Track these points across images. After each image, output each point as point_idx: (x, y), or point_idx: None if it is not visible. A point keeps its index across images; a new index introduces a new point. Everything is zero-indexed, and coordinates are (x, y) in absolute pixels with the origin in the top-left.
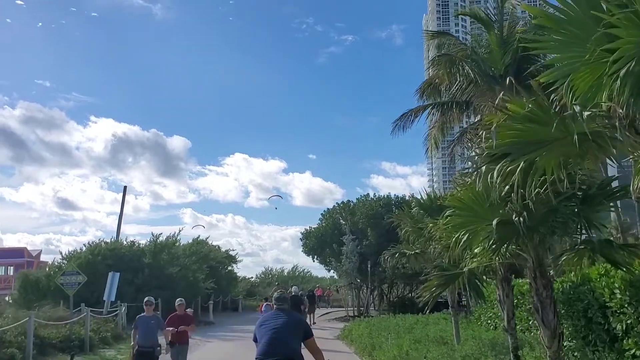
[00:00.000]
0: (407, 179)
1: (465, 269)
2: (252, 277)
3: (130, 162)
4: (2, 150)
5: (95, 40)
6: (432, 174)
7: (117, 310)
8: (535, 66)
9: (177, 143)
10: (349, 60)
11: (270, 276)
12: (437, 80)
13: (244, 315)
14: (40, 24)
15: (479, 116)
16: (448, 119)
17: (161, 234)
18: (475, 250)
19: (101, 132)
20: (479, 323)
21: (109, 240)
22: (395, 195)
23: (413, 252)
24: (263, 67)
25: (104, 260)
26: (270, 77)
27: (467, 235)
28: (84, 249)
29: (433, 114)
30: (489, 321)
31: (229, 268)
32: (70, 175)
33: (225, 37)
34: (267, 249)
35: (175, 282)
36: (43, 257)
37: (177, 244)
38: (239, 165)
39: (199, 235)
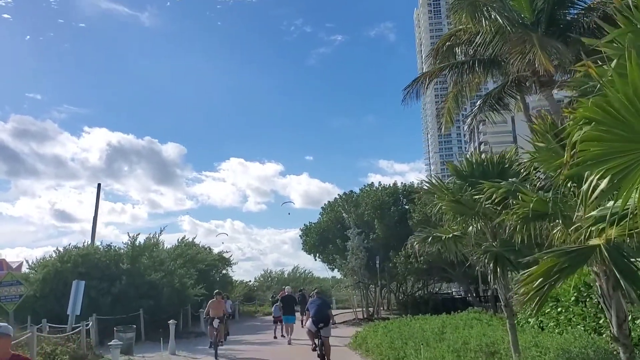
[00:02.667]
0: (405, 176)
1: (600, 242)
2: (250, 281)
3: (126, 171)
4: None
5: (84, 51)
6: (430, 169)
7: (86, 325)
8: (575, 12)
9: (172, 150)
10: (340, 60)
11: (269, 279)
12: (453, 39)
13: (242, 322)
14: (28, 37)
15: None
16: (468, 82)
17: (139, 234)
18: (633, 199)
19: (95, 142)
20: (519, 325)
21: (82, 245)
22: (402, 183)
23: (451, 235)
24: (254, 71)
25: (75, 268)
26: (262, 80)
27: (614, 171)
28: (54, 255)
29: (450, 77)
30: (529, 320)
31: (223, 271)
32: (67, 187)
33: (214, 42)
34: (267, 252)
35: (158, 289)
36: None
37: (160, 245)
38: (235, 170)
39: (184, 236)
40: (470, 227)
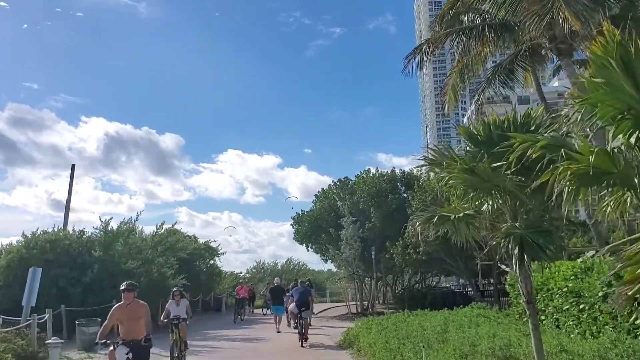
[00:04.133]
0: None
1: None
2: (241, 272)
3: (123, 162)
4: None
5: (81, 40)
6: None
7: (40, 318)
8: None
9: (169, 141)
10: (338, 53)
11: (262, 271)
12: (459, 4)
13: (228, 316)
14: (25, 25)
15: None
16: (474, 55)
17: (111, 218)
18: None
19: (93, 131)
20: (523, 319)
21: (52, 230)
22: (401, 170)
23: (462, 214)
24: (252, 62)
25: (42, 255)
26: (260, 72)
27: None
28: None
29: (457, 44)
30: (541, 317)
31: (211, 262)
32: (63, 176)
33: (212, 33)
34: (264, 245)
35: (134, 279)
36: None
37: (135, 232)
38: (233, 162)
39: (164, 222)
40: (485, 205)
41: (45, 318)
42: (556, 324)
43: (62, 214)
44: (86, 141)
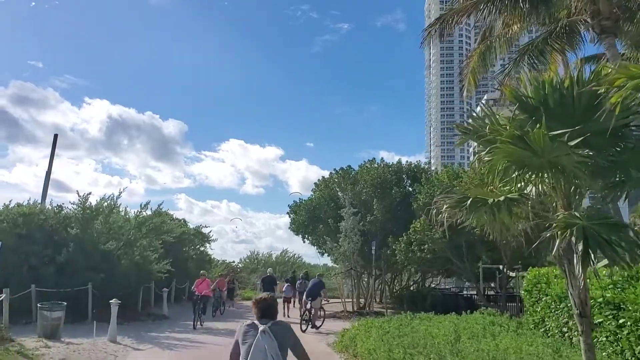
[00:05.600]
0: None
1: None
2: (233, 261)
3: (125, 145)
4: None
5: (88, 22)
6: (431, 163)
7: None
8: None
9: (173, 127)
10: (345, 49)
11: (256, 261)
12: None
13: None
14: (33, 3)
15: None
16: (503, 28)
17: (90, 193)
18: None
19: (96, 113)
20: (547, 335)
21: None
22: (407, 161)
23: (503, 198)
24: (259, 53)
25: (13, 230)
26: (266, 63)
27: None
28: None
29: (484, 17)
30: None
31: (202, 248)
32: (64, 157)
33: (220, 22)
34: (261, 236)
35: (113, 261)
36: None
37: (117, 210)
38: (234, 151)
39: (149, 201)
40: (530, 187)
41: (2, 298)
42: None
43: (61, 194)
44: (89, 122)
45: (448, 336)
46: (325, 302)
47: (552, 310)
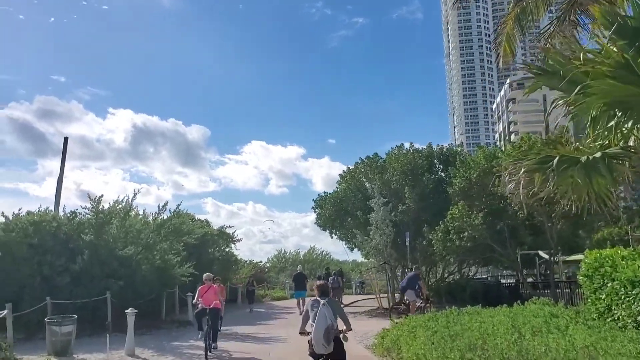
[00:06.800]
0: None
1: None
2: (261, 261)
3: (151, 153)
4: (23, 144)
5: (107, 33)
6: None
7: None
8: None
9: (196, 132)
10: (361, 43)
11: (283, 260)
12: None
13: (243, 308)
14: (52, 19)
15: None
16: None
17: (102, 195)
18: None
19: (120, 123)
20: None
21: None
22: (438, 145)
23: (600, 155)
24: (275, 53)
25: (23, 239)
26: (283, 63)
27: None
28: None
29: None
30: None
31: (227, 249)
32: (92, 167)
33: (236, 25)
34: (288, 235)
35: (132, 267)
36: None
37: (132, 213)
38: (257, 153)
39: (167, 202)
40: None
41: (4, 314)
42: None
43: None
44: (114, 132)
45: (509, 334)
46: (422, 296)
47: (622, 298)
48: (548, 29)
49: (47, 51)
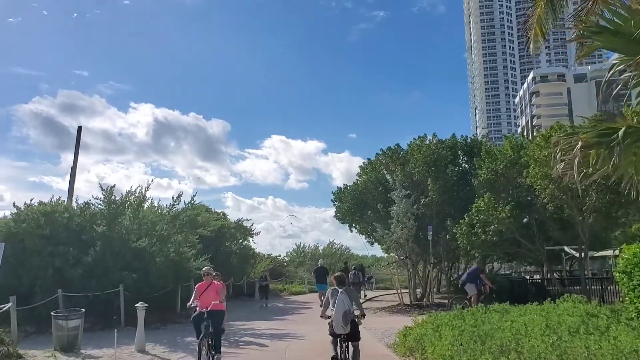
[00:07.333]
0: None
1: None
2: (279, 255)
3: (172, 147)
4: (47, 138)
5: (129, 28)
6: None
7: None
8: None
9: (216, 126)
10: (381, 37)
11: (302, 254)
12: None
13: (260, 302)
14: (75, 14)
15: None
16: None
17: (114, 185)
18: None
19: (142, 117)
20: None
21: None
22: (462, 136)
23: None
24: (295, 47)
25: (35, 230)
26: (303, 57)
27: None
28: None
29: None
30: None
31: (244, 243)
32: (114, 161)
33: (256, 19)
34: (308, 230)
35: (146, 260)
36: None
37: (147, 203)
38: (277, 148)
39: (181, 193)
40: None
41: (9, 307)
42: None
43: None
44: (136, 127)
45: (545, 336)
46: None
47: None
48: (586, 5)
49: (70, 46)
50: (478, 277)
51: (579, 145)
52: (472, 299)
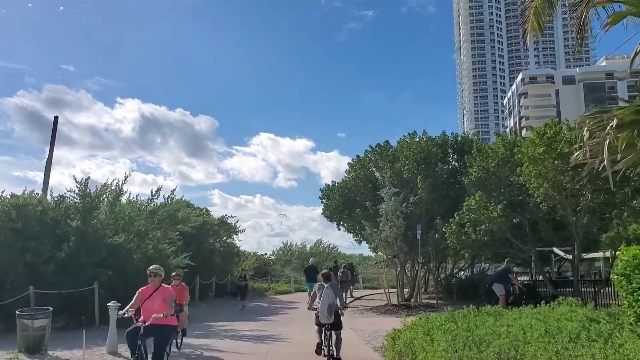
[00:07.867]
0: None
1: None
2: (265, 254)
3: (159, 143)
4: (32, 133)
5: (115, 23)
6: None
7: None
8: None
9: (204, 123)
10: (371, 36)
11: (289, 253)
12: None
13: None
14: (61, 8)
15: None
16: None
17: (89, 177)
18: None
19: (128, 113)
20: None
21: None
22: (453, 133)
23: None
24: (285, 46)
25: (7, 224)
26: (293, 55)
27: None
28: None
29: None
30: None
31: (229, 240)
32: (99, 157)
33: (245, 17)
34: (296, 229)
35: (122, 256)
36: None
37: (123, 197)
38: (265, 145)
39: (160, 187)
40: None
41: None
42: None
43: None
44: (122, 122)
45: (546, 342)
46: (515, 290)
47: None
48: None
49: (57, 40)
50: (507, 278)
51: (613, 123)
52: (500, 299)
